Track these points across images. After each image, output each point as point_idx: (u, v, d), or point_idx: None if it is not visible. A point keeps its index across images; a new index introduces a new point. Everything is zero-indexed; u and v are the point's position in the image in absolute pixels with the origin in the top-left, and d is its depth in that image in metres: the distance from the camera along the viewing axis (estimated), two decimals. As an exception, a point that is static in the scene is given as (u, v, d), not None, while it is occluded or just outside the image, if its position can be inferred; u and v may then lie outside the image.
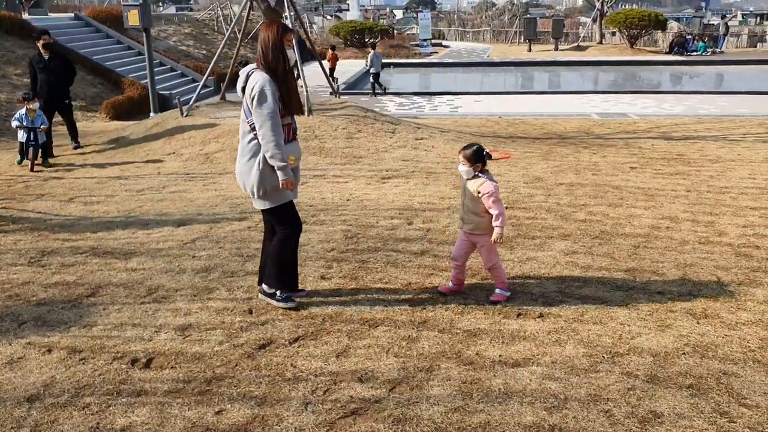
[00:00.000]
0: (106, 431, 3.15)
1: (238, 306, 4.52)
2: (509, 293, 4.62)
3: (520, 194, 7.48)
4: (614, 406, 3.33)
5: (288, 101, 4.14)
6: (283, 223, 4.35)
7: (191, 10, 47.73)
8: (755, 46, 35.38)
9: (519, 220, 6.49)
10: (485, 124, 13.51)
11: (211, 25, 28.70)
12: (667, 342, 3.99)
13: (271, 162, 4.05)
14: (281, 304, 4.44)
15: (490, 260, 4.56)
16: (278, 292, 4.47)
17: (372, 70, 19.71)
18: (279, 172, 4.08)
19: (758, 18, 54.43)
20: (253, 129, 4.09)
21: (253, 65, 4.19)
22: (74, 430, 3.16)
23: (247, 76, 4.12)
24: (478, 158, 4.40)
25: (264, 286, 4.51)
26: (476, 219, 4.46)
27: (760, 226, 6.30)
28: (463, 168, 4.46)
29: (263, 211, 4.38)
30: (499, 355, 3.83)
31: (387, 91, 19.69)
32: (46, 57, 10.16)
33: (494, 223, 4.38)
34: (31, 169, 9.00)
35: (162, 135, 10.48)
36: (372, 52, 20.08)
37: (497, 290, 4.61)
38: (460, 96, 18.75)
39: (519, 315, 4.37)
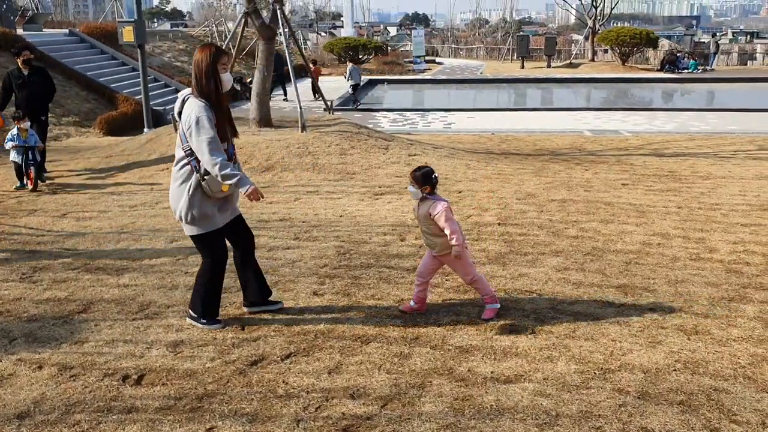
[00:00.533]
0: (96, 449, 3.13)
1: (230, 322, 4.51)
2: (498, 304, 4.63)
3: (512, 210, 7.51)
4: (605, 423, 3.33)
5: (222, 127, 4.15)
6: (207, 255, 4.37)
7: (186, 26, 47.98)
8: (745, 64, 35.78)
9: (511, 236, 6.52)
10: (478, 141, 13.58)
11: (206, 42, 28.82)
12: (658, 358, 4.01)
13: (226, 182, 4.06)
14: (207, 327, 4.42)
15: (467, 274, 4.56)
16: (202, 318, 4.45)
17: (351, 82, 20.00)
18: (240, 189, 4.11)
19: (748, 36, 55.03)
20: (189, 155, 4.11)
21: (188, 90, 4.19)
22: (64, 447, 3.14)
23: (183, 102, 4.13)
24: (426, 180, 4.40)
25: (190, 310, 4.50)
26: (437, 240, 4.47)
27: (751, 242, 6.35)
28: (412, 189, 4.47)
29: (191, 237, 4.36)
30: (491, 372, 3.84)
31: (358, 106, 19.94)
32: (26, 72, 9.63)
33: (450, 242, 4.38)
34: (33, 189, 8.74)
35: (155, 150, 10.49)
36: (350, 64, 20.50)
37: (486, 306, 4.60)
38: (453, 112, 18.86)
39: (511, 331, 4.37)
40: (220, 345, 4.17)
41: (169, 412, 3.42)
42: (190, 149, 4.09)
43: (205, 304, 4.40)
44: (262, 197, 4.23)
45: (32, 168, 8.84)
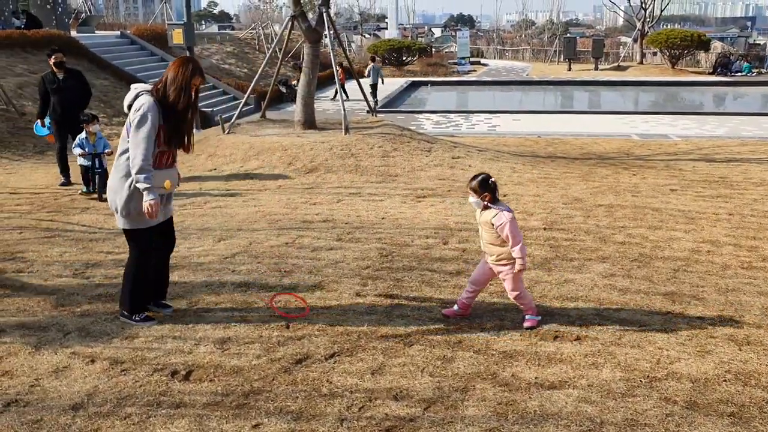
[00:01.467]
0: (146, 441, 3.22)
1: (275, 320, 4.58)
2: (540, 318, 4.57)
3: (558, 215, 7.43)
4: (652, 432, 3.28)
5: (174, 135, 4.28)
6: (134, 248, 4.48)
7: (233, 29, 48.73)
8: (803, 67, 34.57)
9: (557, 241, 6.46)
10: (524, 144, 13.47)
11: (253, 44, 29.25)
12: (707, 368, 3.92)
13: (138, 184, 4.15)
14: (142, 324, 4.49)
15: (515, 289, 4.47)
16: (134, 316, 4.52)
17: (370, 82, 20.00)
18: (145, 194, 4.16)
19: (805, 38, 53.16)
20: (123, 152, 4.26)
21: (143, 86, 4.28)
22: (116, 439, 3.24)
23: (136, 96, 4.22)
24: (484, 188, 4.34)
25: (122, 309, 4.58)
26: (496, 249, 4.41)
27: (806, 251, 6.15)
28: (473, 200, 4.43)
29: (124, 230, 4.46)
30: (535, 377, 3.81)
31: (377, 107, 19.61)
32: (61, 76, 9.22)
33: (514, 255, 4.32)
34: (100, 199, 8.22)
35: (204, 151, 10.70)
36: (371, 64, 20.48)
37: (527, 317, 4.54)
38: (498, 114, 18.73)
39: (556, 337, 4.34)
40: (266, 343, 4.24)
41: (216, 408, 3.50)
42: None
43: (133, 298, 4.51)
44: (153, 216, 4.24)
45: (98, 176, 8.43)
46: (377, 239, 6.53)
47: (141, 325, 4.50)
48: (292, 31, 13.22)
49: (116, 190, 4.31)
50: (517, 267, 4.33)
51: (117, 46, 20.89)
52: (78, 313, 4.76)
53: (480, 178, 4.37)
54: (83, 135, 8.50)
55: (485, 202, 4.37)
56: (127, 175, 4.24)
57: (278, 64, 13.93)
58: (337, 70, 17.44)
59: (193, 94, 4.28)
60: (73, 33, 21.54)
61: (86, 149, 8.43)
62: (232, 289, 5.16)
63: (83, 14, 28.58)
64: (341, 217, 7.36)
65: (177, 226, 7.03)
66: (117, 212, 4.36)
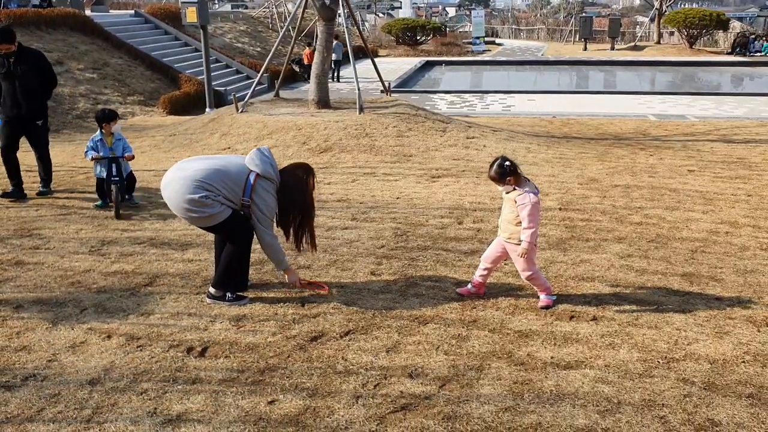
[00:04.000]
0: (163, 416, 3.24)
1: (290, 298, 4.58)
2: (555, 297, 4.54)
3: (574, 195, 7.37)
4: (669, 413, 3.26)
5: None
6: (239, 231, 4.44)
7: (246, 7, 48.45)
8: (823, 47, 33.95)
9: (573, 221, 6.40)
10: (539, 124, 13.35)
11: (266, 23, 29.11)
12: (725, 349, 3.88)
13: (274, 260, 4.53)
14: (234, 303, 4.48)
15: (526, 270, 4.42)
16: (228, 296, 4.50)
17: (333, 57, 20.12)
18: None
19: (827, 17, 52.13)
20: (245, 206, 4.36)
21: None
22: (133, 414, 3.26)
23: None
24: (503, 175, 4.26)
25: (212, 290, 4.54)
26: (511, 228, 4.37)
27: (827, 233, 6.06)
28: (500, 188, 4.38)
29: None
30: (551, 357, 3.79)
31: (337, 79, 21.53)
32: (12, 59, 7.01)
33: (522, 237, 4.27)
34: (117, 215, 6.58)
35: (217, 130, 10.69)
36: (335, 41, 20.66)
37: (542, 296, 4.51)
38: (513, 95, 18.57)
39: (572, 317, 4.31)
40: (281, 320, 4.24)
41: (232, 384, 3.51)
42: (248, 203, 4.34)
43: (232, 280, 4.52)
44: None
45: (114, 186, 6.64)
46: (392, 219, 6.50)
47: (238, 302, 4.49)
48: (306, 10, 13.12)
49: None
50: (521, 250, 4.29)
51: (131, 25, 20.87)
52: (94, 289, 4.79)
53: (496, 165, 4.29)
54: (98, 135, 6.90)
55: (512, 186, 4.30)
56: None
57: (292, 43, 13.85)
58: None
59: None
60: (87, 12, 21.54)
61: (100, 152, 6.84)
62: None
63: (97, -7, 28.52)
64: (356, 197, 7.34)
65: (191, 205, 7.05)
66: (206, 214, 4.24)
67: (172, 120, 14.28)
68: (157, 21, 21.59)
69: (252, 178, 4.30)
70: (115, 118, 7.00)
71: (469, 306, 4.48)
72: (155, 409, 3.30)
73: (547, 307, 4.43)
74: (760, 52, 29.42)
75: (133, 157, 6.97)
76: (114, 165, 6.76)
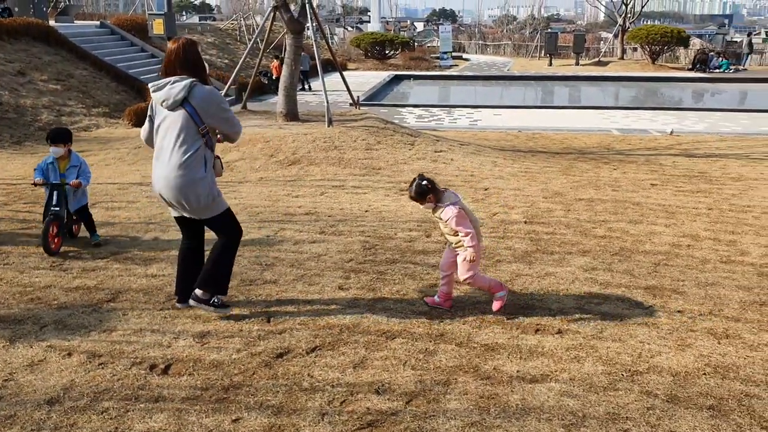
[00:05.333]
0: (124, 436, 3.17)
1: (256, 314, 4.53)
2: (505, 291, 4.58)
3: (539, 209, 7.45)
4: (633, 426, 3.29)
5: None
6: (229, 228, 4.40)
7: (214, 19, 48.31)
8: (779, 64, 35.03)
9: (538, 234, 6.47)
10: (505, 138, 13.49)
11: (234, 35, 28.99)
12: (687, 361, 3.95)
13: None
14: (218, 310, 4.43)
15: (465, 273, 4.46)
16: (214, 299, 4.43)
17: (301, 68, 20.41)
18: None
19: (783, 36, 53.84)
20: (204, 134, 4.13)
21: (184, 77, 4.10)
22: (93, 434, 3.18)
23: (191, 88, 4.06)
24: (422, 194, 4.37)
25: (198, 292, 4.40)
26: (453, 238, 4.47)
27: (784, 246, 6.22)
28: (422, 207, 4.48)
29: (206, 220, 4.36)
30: (517, 371, 3.81)
31: (308, 89, 22.24)
32: None
33: (465, 244, 4.35)
34: (46, 249, 5.63)
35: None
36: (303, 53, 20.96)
37: (495, 296, 4.55)
38: (479, 109, 18.76)
39: (537, 330, 4.34)
40: (246, 337, 4.19)
41: (196, 403, 3.45)
42: (206, 129, 4.14)
43: (221, 281, 4.43)
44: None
45: (52, 219, 5.71)
46: (360, 232, 6.49)
47: (220, 311, 4.45)
48: (275, 22, 13.10)
49: (194, 183, 4.12)
50: (467, 255, 4.35)
51: (97, 36, 20.59)
52: (55, 305, 4.68)
53: (414, 185, 4.38)
54: (50, 157, 5.92)
55: (433, 204, 4.40)
56: (202, 159, 4.14)
57: (260, 55, 13.81)
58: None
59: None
60: (51, 22, 21.19)
61: (50, 177, 5.87)
62: (213, 282, 5.09)
63: (62, 3, 28.14)
64: (324, 210, 7.32)
65: (156, 218, 6.96)
66: (202, 204, 4.18)
67: (137, 132, 14.06)
68: (124, 32, 21.34)
69: (188, 108, 4.08)
70: (60, 142, 5.85)
71: (437, 319, 4.48)
72: (116, 428, 3.23)
73: (501, 308, 4.48)
74: (719, 68, 30.22)
75: (79, 185, 5.88)
76: (56, 193, 5.81)
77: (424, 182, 4.35)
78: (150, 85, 4.25)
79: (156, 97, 4.15)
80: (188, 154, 4.10)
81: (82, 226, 6.20)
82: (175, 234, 6.35)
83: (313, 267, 5.49)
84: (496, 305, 4.54)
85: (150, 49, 21.03)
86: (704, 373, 3.82)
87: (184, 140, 4.10)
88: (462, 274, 4.50)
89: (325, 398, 3.50)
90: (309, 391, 3.57)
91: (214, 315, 4.49)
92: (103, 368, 3.79)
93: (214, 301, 4.44)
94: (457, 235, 4.40)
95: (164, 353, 3.97)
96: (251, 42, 13.67)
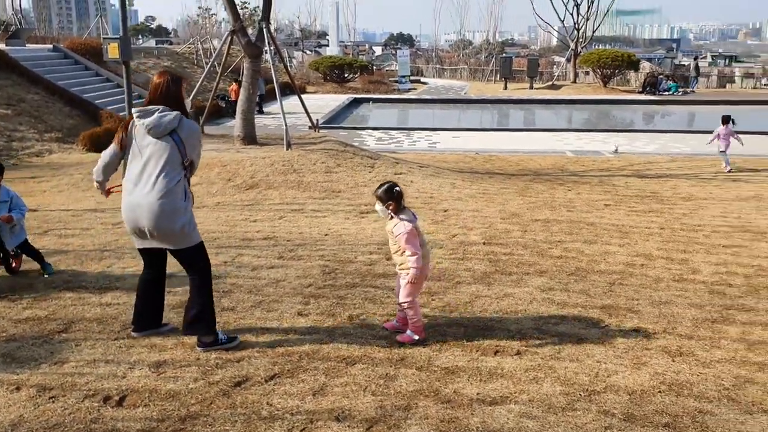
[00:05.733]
0: (76, 472, 3.06)
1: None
2: (418, 338, 4.49)
3: (497, 229, 7.53)
4: (592, 445, 3.32)
5: None
6: (203, 263, 4.36)
7: (171, 43, 47.93)
8: (724, 87, 36.38)
9: (496, 255, 6.53)
10: (463, 160, 13.65)
11: (191, 59, 28.81)
12: (643, 380, 4.01)
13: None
14: (229, 345, 4.36)
15: (404, 296, 4.45)
16: (220, 337, 4.37)
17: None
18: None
19: (727, 60, 56.04)
20: (185, 167, 4.18)
21: (171, 110, 4.15)
22: (42, 471, 3.07)
23: (180, 119, 4.15)
24: (389, 196, 4.40)
25: (201, 340, 4.35)
26: (399, 258, 4.47)
27: (733, 263, 6.41)
28: (378, 207, 4.50)
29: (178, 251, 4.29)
30: (477, 393, 3.82)
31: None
32: None
33: (409, 264, 4.35)
34: None
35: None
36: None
37: (408, 331, 4.52)
38: (438, 132, 18.96)
39: (497, 352, 4.37)
40: (203, 366, 4.12)
41: (151, 435, 3.36)
42: (189, 162, 4.22)
43: (210, 319, 4.35)
44: None
45: None
46: (320, 256, 6.46)
47: (231, 344, 4.37)
48: (232, 46, 13.07)
49: (176, 211, 4.10)
50: (409, 277, 4.35)
51: (49, 60, 20.22)
52: (3, 338, 4.52)
53: (386, 186, 4.44)
54: None
55: (390, 211, 4.42)
56: (181, 195, 4.14)
57: (217, 79, 13.75)
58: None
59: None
60: (2, 46, 20.76)
61: None
62: (168, 310, 4.99)
63: (13, 27, 27.59)
64: (283, 234, 7.27)
65: (111, 245, 6.83)
66: (178, 233, 4.14)
67: (92, 157, 13.81)
68: (77, 56, 21.02)
69: (176, 138, 4.13)
70: None
71: (397, 343, 4.47)
72: (67, 465, 3.12)
73: (404, 342, 4.45)
74: (668, 91, 31.20)
75: (9, 219, 5.55)
76: None
77: (397, 189, 4.41)
78: (134, 110, 4.25)
79: (143, 123, 4.13)
80: (173, 183, 4.11)
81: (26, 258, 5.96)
82: (131, 261, 6.24)
83: (271, 293, 5.44)
84: (402, 337, 4.51)
85: (105, 73, 20.74)
86: (659, 391, 3.89)
87: (170, 169, 4.11)
88: (402, 297, 4.49)
89: (284, 427, 3.45)
90: (268, 419, 3.52)
91: (170, 343, 4.40)
92: (53, 402, 3.67)
93: (221, 339, 4.37)
94: (404, 254, 4.40)
95: (119, 384, 3.87)
96: (208, 66, 13.61)
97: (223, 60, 14.10)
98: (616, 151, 14.89)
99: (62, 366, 4.11)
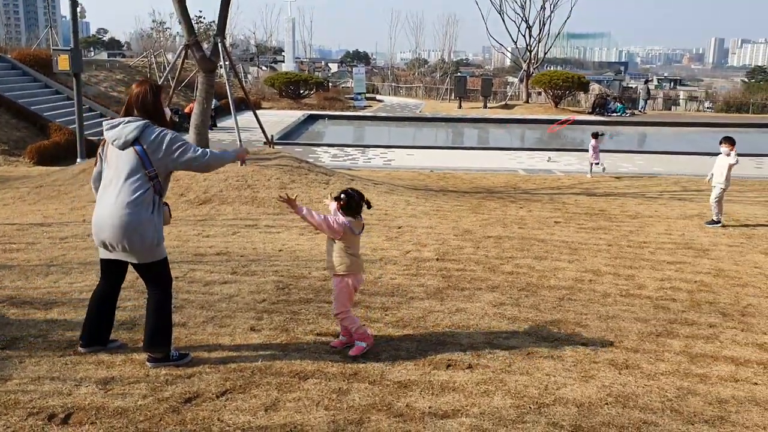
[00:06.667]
0: (18, 493, 2.97)
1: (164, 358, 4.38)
2: (366, 344, 4.55)
3: (450, 246, 7.62)
4: (540, 457, 3.38)
5: None
6: (164, 278, 4.27)
7: (124, 56, 47.21)
8: (669, 109, 37.68)
9: (449, 271, 6.61)
10: (417, 177, 13.78)
11: (144, 72, 28.43)
12: (590, 392, 4.11)
13: (219, 162, 4.28)
14: (180, 362, 4.29)
15: (338, 307, 4.52)
16: (172, 353, 4.30)
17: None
18: (230, 160, 4.42)
19: (672, 83, 58.04)
20: (152, 178, 4.04)
21: (136, 119, 4.07)
22: (-18, 492, 2.97)
23: (143, 129, 4.02)
24: (348, 207, 4.46)
25: (151, 353, 4.27)
26: (332, 261, 4.51)
27: (676, 279, 6.62)
28: (331, 205, 4.63)
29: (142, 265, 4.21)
30: (429, 407, 3.85)
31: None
32: None
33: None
34: None
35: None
36: None
37: (356, 343, 4.55)
38: (393, 149, 19.11)
39: (449, 366, 4.41)
40: (152, 382, 4.05)
41: (98, 453, 3.29)
42: (155, 173, 4.05)
43: (170, 335, 4.29)
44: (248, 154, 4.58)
45: None
46: (274, 272, 6.43)
47: (181, 361, 4.27)
48: (186, 60, 12.97)
49: (141, 224, 4.00)
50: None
51: (-5, 70, 19.71)
52: (-58, 355, 4.37)
53: (347, 192, 4.49)
54: None
55: (337, 210, 4.50)
56: (149, 206, 4.03)
57: (170, 93, 13.60)
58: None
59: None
60: (-55, 55, 20.16)
61: None
62: (117, 326, 4.89)
63: (-44, 36, 26.80)
64: (236, 250, 7.21)
65: (58, 260, 6.66)
66: (146, 246, 4.05)
67: (39, 171, 13.49)
68: (26, 67, 20.56)
69: (138, 149, 4.00)
70: None
71: (350, 359, 4.48)
72: (9, 485, 3.03)
73: (357, 355, 4.49)
74: (616, 112, 32.12)
75: None
76: None
77: (357, 198, 4.46)
78: (104, 123, 4.18)
79: (108, 136, 4.07)
80: (136, 194, 4.02)
81: None
82: (78, 276, 6.11)
83: (224, 308, 5.38)
84: (353, 351, 4.54)
85: (54, 86, 20.33)
86: (606, 403, 3.98)
87: (133, 181, 4.02)
88: (335, 307, 4.55)
89: (235, 443, 3.41)
90: (219, 436, 3.48)
91: (118, 360, 4.31)
92: (-5, 421, 3.56)
93: (172, 355, 4.29)
94: (336, 257, 4.45)
95: (64, 402, 3.77)
96: (161, 79, 13.46)
97: (176, 74, 13.96)
98: (549, 160, 16.69)
99: (5, 383, 3.98)
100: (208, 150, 4.21)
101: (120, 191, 4.02)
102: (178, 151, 4.07)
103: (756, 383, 4.34)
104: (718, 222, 9.28)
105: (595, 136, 14.76)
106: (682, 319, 5.51)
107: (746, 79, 69.66)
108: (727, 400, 4.08)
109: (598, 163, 14.61)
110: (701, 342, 5.02)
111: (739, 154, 9.42)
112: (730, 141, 9.32)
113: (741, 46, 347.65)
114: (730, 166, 9.24)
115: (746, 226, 9.42)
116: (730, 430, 3.73)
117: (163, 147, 4.04)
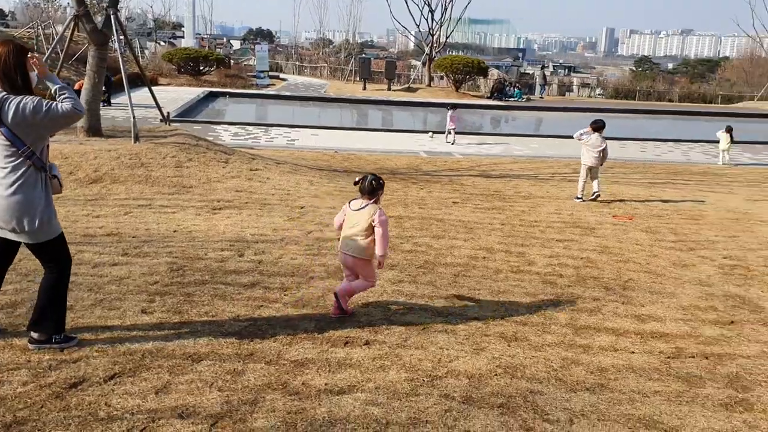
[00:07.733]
0: None
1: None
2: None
3: (350, 226, 7.65)
4: (432, 428, 3.49)
5: None
6: (60, 257, 4.07)
7: (8, 26, 44.08)
8: (564, 95, 39.30)
9: (349, 251, 6.64)
10: (321, 158, 13.71)
11: (30, 44, 26.66)
12: (481, 364, 4.26)
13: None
14: (64, 345, 4.11)
15: (369, 277, 4.94)
16: (55, 336, 4.11)
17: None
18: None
19: (566, 70, 60.51)
20: (28, 156, 3.75)
21: None
22: None
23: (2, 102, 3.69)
24: (372, 190, 4.91)
25: (35, 335, 4.09)
26: (361, 242, 4.82)
27: (564, 256, 6.95)
28: (367, 202, 4.97)
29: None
30: (325, 384, 3.87)
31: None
32: None
33: (377, 252, 4.78)
34: None
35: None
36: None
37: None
38: (297, 129, 18.91)
39: (346, 343, 4.45)
40: (34, 368, 3.85)
41: (-29, 444, 3.10)
42: (31, 151, 3.74)
43: (62, 317, 4.10)
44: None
45: None
46: (168, 253, 6.24)
47: (65, 345, 4.06)
48: (77, 33, 12.27)
49: (27, 205, 3.73)
50: (378, 260, 4.81)
51: None
52: None
53: (372, 179, 4.90)
54: None
55: (372, 201, 4.91)
56: (33, 184, 3.75)
57: (58, 66, 12.84)
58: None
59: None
60: None
61: None
62: (-4, 311, 4.62)
63: None
64: (128, 231, 6.94)
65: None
66: (36, 226, 3.78)
67: None
68: None
69: (4, 131, 3.68)
70: None
71: (247, 339, 4.43)
72: None
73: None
74: (514, 97, 33.16)
75: None
76: None
77: (381, 180, 4.94)
78: None
79: None
80: (16, 174, 3.74)
81: None
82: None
83: (113, 291, 5.18)
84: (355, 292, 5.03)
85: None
86: (496, 374, 4.14)
87: (9, 161, 3.74)
88: (366, 277, 4.92)
89: (123, 427, 3.31)
90: (106, 420, 3.36)
91: (-4, 347, 4.07)
92: None
93: (55, 338, 4.07)
94: (365, 239, 4.78)
95: (-67, 392, 3.53)
96: (49, 52, 12.68)
97: (65, 46, 13.18)
98: (431, 136, 18.68)
99: None
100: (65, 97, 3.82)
101: (3, 175, 3.76)
102: (42, 114, 3.69)
103: (633, 352, 4.64)
104: (580, 198, 10.17)
105: (453, 107, 18.19)
106: (568, 293, 5.79)
107: (633, 68, 73.67)
108: (607, 368, 4.34)
109: (454, 129, 17.61)
110: (585, 315, 5.31)
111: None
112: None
113: (630, 36, 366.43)
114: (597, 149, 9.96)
115: (629, 203, 10.00)
116: (609, 396, 3.97)
117: (28, 116, 3.68)
